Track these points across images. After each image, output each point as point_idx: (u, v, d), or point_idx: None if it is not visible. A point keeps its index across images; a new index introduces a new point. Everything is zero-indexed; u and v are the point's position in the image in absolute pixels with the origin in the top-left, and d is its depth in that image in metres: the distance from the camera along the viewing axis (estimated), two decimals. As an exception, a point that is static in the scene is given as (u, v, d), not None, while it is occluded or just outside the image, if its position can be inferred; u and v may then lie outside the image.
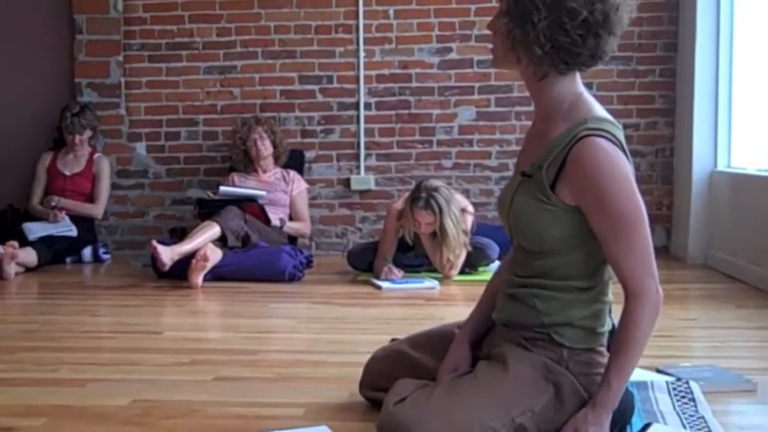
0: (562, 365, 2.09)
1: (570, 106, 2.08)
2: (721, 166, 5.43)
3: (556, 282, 2.11)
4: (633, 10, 2.07)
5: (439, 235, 4.82)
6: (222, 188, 5.48)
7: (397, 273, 4.90)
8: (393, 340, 2.60)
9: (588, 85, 6.49)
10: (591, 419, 2.01)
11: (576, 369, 2.09)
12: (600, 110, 2.09)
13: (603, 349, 2.13)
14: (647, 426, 2.14)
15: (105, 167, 6.08)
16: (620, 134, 2.07)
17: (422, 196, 4.75)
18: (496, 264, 5.05)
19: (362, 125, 6.16)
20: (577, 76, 2.11)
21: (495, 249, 5.03)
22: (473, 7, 6.03)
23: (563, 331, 2.10)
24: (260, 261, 5.01)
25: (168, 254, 4.83)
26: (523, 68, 2.09)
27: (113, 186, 6.22)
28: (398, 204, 5.00)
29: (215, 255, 4.92)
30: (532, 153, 2.14)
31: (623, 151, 2.04)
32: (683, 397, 2.53)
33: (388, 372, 2.39)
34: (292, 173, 5.81)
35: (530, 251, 2.15)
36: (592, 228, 2.03)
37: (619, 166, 1.99)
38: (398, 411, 2.03)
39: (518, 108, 5.98)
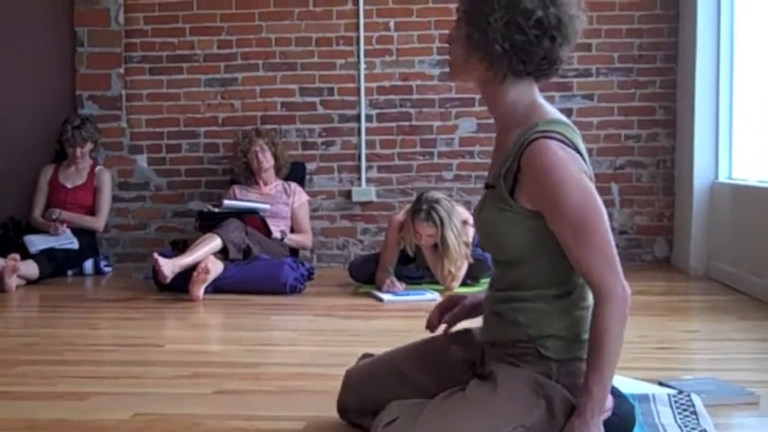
0: (552, 379, 2.08)
1: (524, 113, 2.12)
2: (722, 178, 5.43)
3: (529, 292, 2.12)
4: (585, 24, 2.11)
5: (440, 247, 4.81)
6: (226, 202, 5.49)
7: (399, 285, 4.90)
8: (366, 356, 2.58)
9: (589, 97, 6.49)
10: (578, 429, 1.99)
11: (565, 381, 2.08)
12: (554, 113, 2.12)
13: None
14: (649, 439, 2.14)
15: (106, 180, 6.08)
16: (575, 135, 2.09)
17: (423, 208, 4.75)
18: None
19: (363, 137, 6.16)
20: (534, 86, 2.15)
21: (496, 261, 5.02)
22: (474, 19, 6.03)
23: (547, 343, 2.09)
24: (261, 273, 5.01)
25: (169, 266, 4.83)
26: (482, 72, 2.12)
27: (114, 199, 6.22)
28: (400, 216, 5.00)
29: (216, 267, 4.92)
30: (494, 165, 2.19)
31: (578, 152, 2.06)
32: (684, 410, 2.52)
33: (373, 392, 2.36)
34: (293, 185, 5.81)
35: (502, 262, 2.18)
36: (553, 231, 2.04)
37: (569, 167, 2.02)
38: None
39: (519, 120, 5.97)
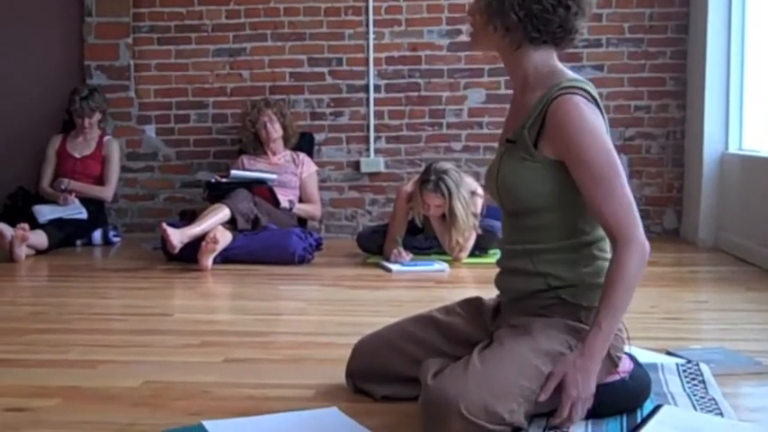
0: (582, 324, 2.14)
1: (546, 76, 2.22)
2: (732, 149, 5.41)
3: (551, 243, 2.18)
4: None
5: (448, 217, 4.81)
6: (234, 172, 5.48)
7: (406, 256, 4.90)
8: None
9: (599, 68, 6.44)
10: (579, 366, 2.03)
11: None
12: (572, 74, 2.23)
13: None
14: (657, 407, 2.14)
15: (115, 150, 6.09)
16: (593, 90, 2.19)
17: (431, 179, 4.74)
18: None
19: (372, 107, 6.15)
20: (553, 52, 2.24)
21: (504, 232, 5.01)
22: (483, -11, 5.99)
23: (575, 291, 2.16)
24: (270, 243, 5.02)
25: (178, 236, 4.83)
26: (499, 39, 2.21)
27: (123, 169, 6.23)
28: (408, 187, 5.00)
29: (225, 237, 4.92)
30: (514, 122, 2.26)
31: (597, 106, 2.17)
32: (692, 379, 2.53)
33: (383, 355, 2.41)
34: (302, 155, 5.81)
35: (522, 215, 2.22)
36: (575, 180, 2.12)
37: (590, 119, 2.12)
38: (440, 384, 2.03)
39: (528, 90, 5.94)
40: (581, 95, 2.14)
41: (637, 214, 2.09)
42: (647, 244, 2.07)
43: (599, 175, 2.07)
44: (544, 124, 2.14)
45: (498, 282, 2.34)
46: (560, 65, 2.24)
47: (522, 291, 2.23)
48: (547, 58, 2.22)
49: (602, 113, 2.17)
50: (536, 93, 2.20)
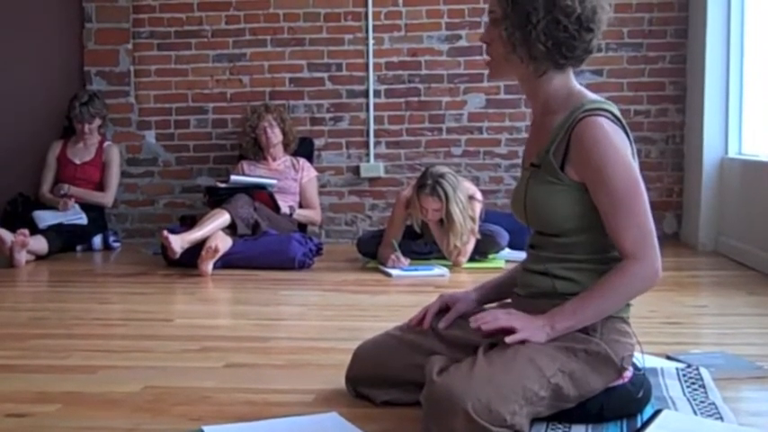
0: (596, 333, 2.14)
1: (567, 97, 2.23)
2: (732, 153, 5.41)
3: (581, 256, 2.19)
4: (610, 12, 2.24)
5: (445, 221, 4.81)
6: (233, 177, 5.49)
7: (404, 261, 4.90)
8: None
9: (598, 72, 6.46)
10: (528, 318, 2.11)
11: (608, 337, 2.14)
12: (593, 96, 2.24)
13: (629, 321, 2.22)
14: (657, 412, 2.14)
15: (115, 156, 6.09)
16: (616, 110, 2.21)
17: (428, 183, 4.75)
18: (506, 251, 5.05)
19: (372, 113, 6.15)
20: (570, 73, 2.25)
21: (504, 236, 5.02)
22: (482, -6, 6.01)
23: None
24: (270, 249, 5.01)
25: (178, 242, 4.84)
26: (524, 68, 2.21)
27: (123, 174, 6.23)
28: (407, 192, 5.00)
29: (225, 243, 4.92)
30: (537, 144, 2.26)
31: (621, 126, 2.19)
32: (693, 383, 2.53)
33: (384, 361, 2.41)
34: (302, 160, 5.81)
35: (551, 235, 2.23)
36: (594, 202, 2.13)
37: (615, 141, 2.13)
38: (446, 381, 2.03)
39: (528, 95, 5.94)
40: (605, 116, 2.15)
41: (656, 242, 2.11)
42: (659, 271, 2.10)
43: (620, 202, 2.10)
44: (569, 147, 2.15)
45: (522, 279, 2.34)
46: (577, 84, 2.25)
47: (541, 289, 2.24)
48: (565, 80, 2.23)
49: (626, 133, 2.19)
50: (557, 115, 2.21)
